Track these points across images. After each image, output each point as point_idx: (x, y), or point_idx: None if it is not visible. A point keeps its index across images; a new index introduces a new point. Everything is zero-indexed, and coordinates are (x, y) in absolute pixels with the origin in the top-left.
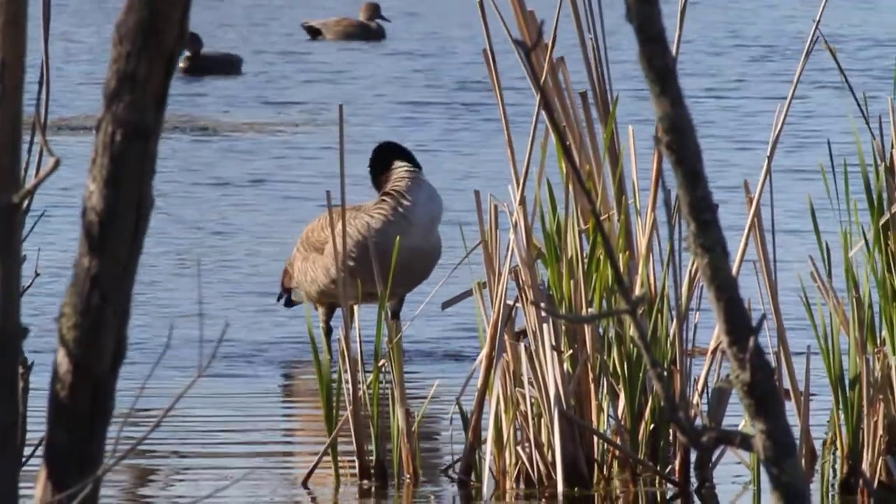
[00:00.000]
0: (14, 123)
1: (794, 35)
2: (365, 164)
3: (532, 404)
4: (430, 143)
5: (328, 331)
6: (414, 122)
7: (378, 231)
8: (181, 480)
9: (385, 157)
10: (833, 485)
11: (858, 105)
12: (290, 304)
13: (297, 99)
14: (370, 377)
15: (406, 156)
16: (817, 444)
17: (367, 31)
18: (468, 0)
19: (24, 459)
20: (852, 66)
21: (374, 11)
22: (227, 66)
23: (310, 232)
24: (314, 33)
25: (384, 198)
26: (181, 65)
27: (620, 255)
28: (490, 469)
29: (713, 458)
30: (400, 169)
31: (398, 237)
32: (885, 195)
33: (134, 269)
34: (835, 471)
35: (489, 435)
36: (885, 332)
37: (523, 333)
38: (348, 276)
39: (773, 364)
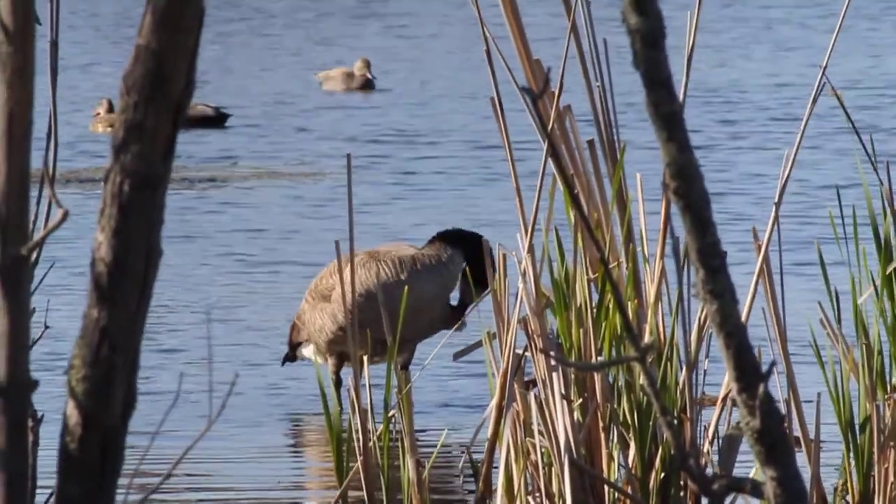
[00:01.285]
0: (22, 175)
1: (803, 84)
2: (367, 217)
3: (542, 453)
4: (435, 191)
5: (338, 382)
6: (417, 174)
7: (386, 279)
8: None
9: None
10: None
11: (865, 151)
12: (290, 360)
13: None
14: (380, 428)
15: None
16: (828, 491)
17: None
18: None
19: None
20: (860, 113)
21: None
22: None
23: (318, 280)
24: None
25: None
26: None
27: (629, 303)
28: None
29: None
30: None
31: (407, 286)
32: (893, 241)
33: (143, 319)
34: None
35: (500, 484)
36: (895, 379)
37: (533, 383)
38: (357, 325)
39: (783, 411)
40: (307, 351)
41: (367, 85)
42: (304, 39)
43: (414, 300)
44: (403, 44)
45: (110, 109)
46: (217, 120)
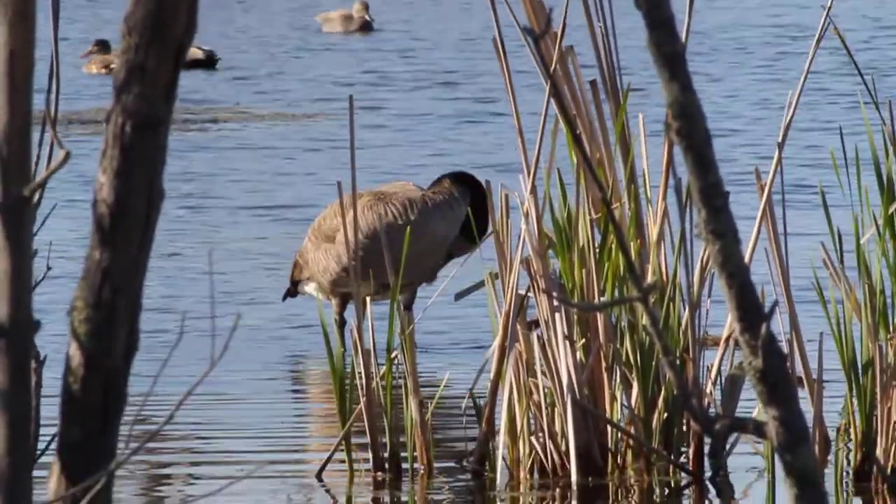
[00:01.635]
0: (24, 116)
1: (799, 25)
2: (366, 156)
3: (545, 394)
4: (439, 136)
5: (342, 323)
6: (424, 117)
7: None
8: (194, 474)
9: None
10: (847, 472)
11: (868, 90)
12: (291, 295)
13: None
14: (383, 369)
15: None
16: (831, 431)
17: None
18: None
19: (37, 453)
20: (863, 55)
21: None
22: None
23: (321, 220)
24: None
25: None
26: None
27: (632, 244)
28: (504, 459)
29: (727, 447)
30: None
31: (418, 227)
32: (895, 180)
33: (145, 261)
34: (849, 458)
35: (503, 425)
36: None
37: (535, 324)
38: (360, 266)
39: (786, 351)
40: (309, 287)
41: (366, 27)
42: None
43: (426, 241)
44: None
45: (102, 50)
46: (207, 63)
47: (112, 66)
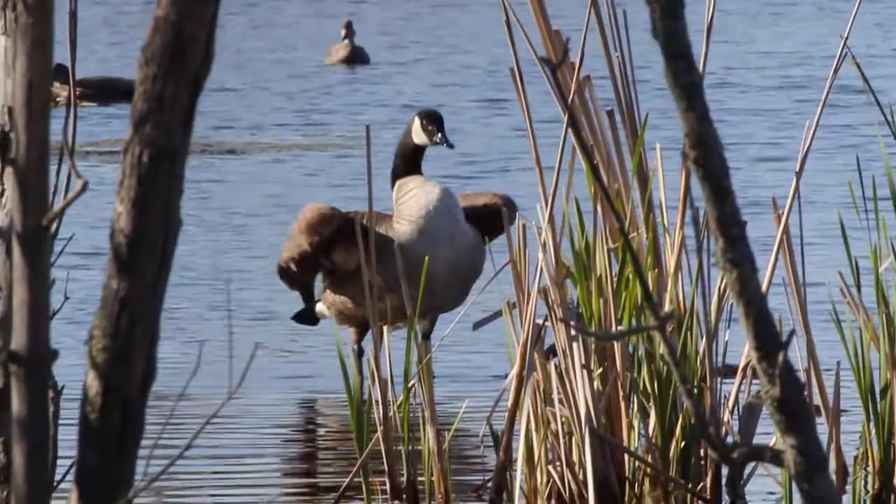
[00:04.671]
0: (42, 146)
1: (823, 55)
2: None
3: (563, 423)
4: (456, 160)
5: (359, 352)
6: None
7: (406, 247)
8: (211, 502)
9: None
10: (865, 500)
11: (886, 118)
12: (303, 320)
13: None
14: (401, 398)
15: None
16: (849, 460)
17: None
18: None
19: (55, 482)
20: (881, 83)
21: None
22: None
23: None
24: None
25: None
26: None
27: (649, 273)
28: (521, 488)
29: (744, 475)
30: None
31: (427, 255)
32: None
33: (163, 290)
34: (867, 486)
35: (520, 454)
36: None
37: (553, 352)
38: (377, 298)
39: (803, 380)
40: (321, 307)
41: (355, 57)
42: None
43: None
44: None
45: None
46: None
47: (58, 99)
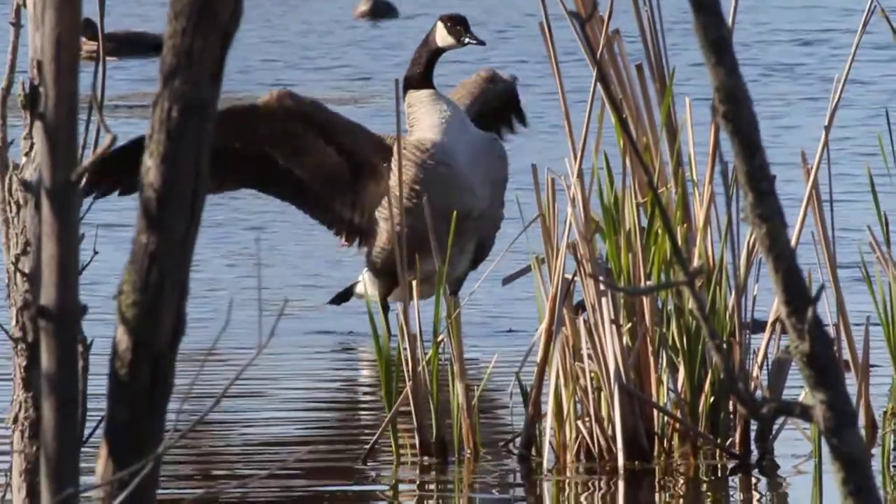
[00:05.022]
0: (70, 101)
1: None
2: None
3: (591, 378)
4: None
5: (385, 307)
6: None
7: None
8: (240, 457)
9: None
10: (894, 455)
11: None
12: (341, 300)
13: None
14: (429, 353)
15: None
16: (878, 415)
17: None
18: None
19: (84, 437)
20: None
21: None
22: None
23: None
24: None
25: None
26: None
27: (678, 228)
28: (550, 443)
29: (773, 430)
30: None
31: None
32: None
33: (192, 244)
34: None
35: (549, 409)
36: None
37: (582, 307)
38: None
39: (833, 335)
40: (360, 288)
41: (378, 11)
42: None
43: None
44: None
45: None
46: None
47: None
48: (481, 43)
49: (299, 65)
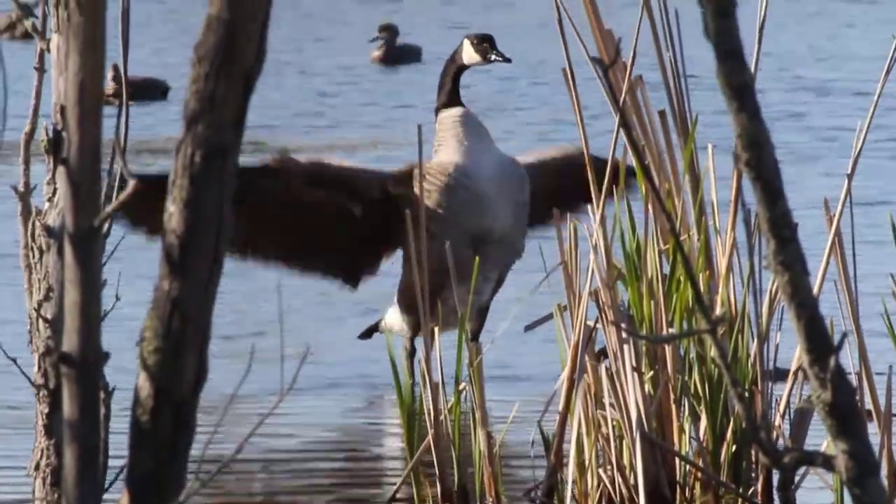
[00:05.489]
0: (94, 146)
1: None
2: None
3: (613, 426)
4: None
5: (412, 352)
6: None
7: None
8: None
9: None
10: None
11: None
12: (368, 335)
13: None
14: (451, 401)
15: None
16: None
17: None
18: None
19: (106, 484)
20: None
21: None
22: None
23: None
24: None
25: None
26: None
27: (700, 275)
28: (572, 492)
29: (796, 480)
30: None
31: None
32: None
33: (214, 290)
34: None
35: (571, 457)
36: None
37: (603, 353)
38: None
39: (855, 384)
40: (385, 323)
41: (394, 57)
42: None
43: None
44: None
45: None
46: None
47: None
48: (507, 60)
49: (313, 112)
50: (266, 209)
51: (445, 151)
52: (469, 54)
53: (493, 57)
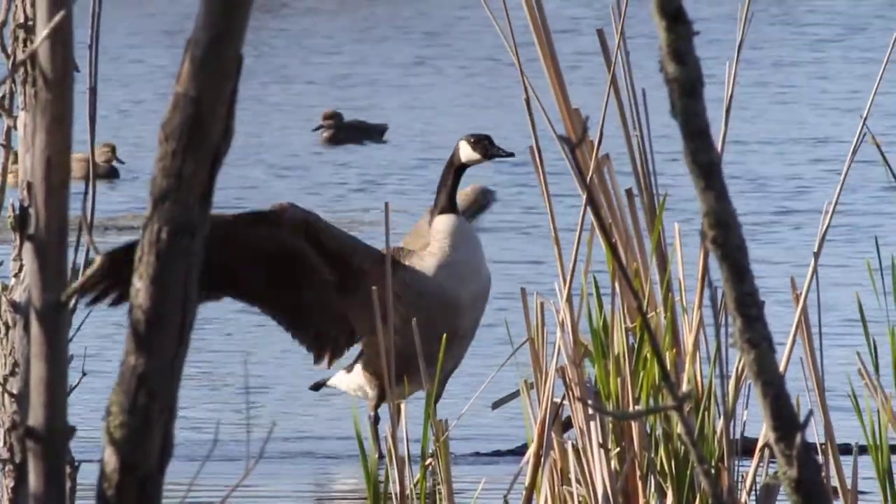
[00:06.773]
0: (60, 222)
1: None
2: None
3: (580, 502)
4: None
5: (376, 419)
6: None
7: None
8: None
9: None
10: None
11: None
12: (317, 388)
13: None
14: (417, 475)
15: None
16: None
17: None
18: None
19: None
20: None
21: None
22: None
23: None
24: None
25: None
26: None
27: (667, 353)
28: None
29: None
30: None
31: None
32: None
33: (180, 366)
34: None
35: None
36: None
37: (569, 423)
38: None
39: (821, 461)
40: (335, 380)
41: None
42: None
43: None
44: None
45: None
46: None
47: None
48: (510, 154)
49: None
50: (249, 252)
51: (435, 258)
52: (467, 153)
53: (493, 152)
